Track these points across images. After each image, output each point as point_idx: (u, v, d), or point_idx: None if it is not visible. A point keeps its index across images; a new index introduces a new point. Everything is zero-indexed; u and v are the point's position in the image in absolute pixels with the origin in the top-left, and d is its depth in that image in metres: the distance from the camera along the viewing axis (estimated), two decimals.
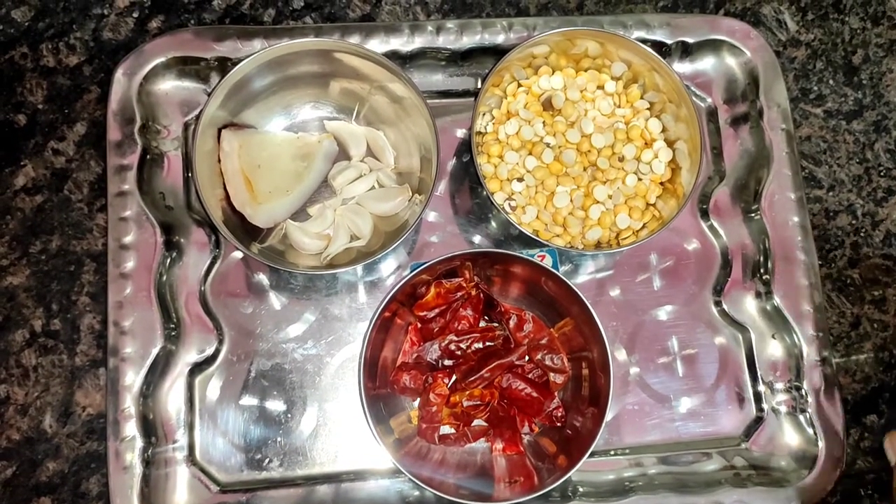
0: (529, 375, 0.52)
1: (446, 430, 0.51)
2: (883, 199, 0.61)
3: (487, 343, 0.52)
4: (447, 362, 0.52)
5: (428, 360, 0.52)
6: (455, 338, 0.51)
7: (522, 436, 0.51)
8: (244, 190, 0.53)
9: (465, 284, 0.52)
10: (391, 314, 0.50)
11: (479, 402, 0.51)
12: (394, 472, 0.52)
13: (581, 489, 0.51)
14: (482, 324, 0.53)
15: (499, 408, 0.51)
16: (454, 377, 0.51)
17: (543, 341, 0.52)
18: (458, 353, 0.52)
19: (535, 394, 0.50)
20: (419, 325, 0.53)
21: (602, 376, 0.48)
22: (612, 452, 0.54)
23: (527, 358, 0.52)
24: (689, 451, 0.54)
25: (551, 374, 0.51)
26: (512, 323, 0.52)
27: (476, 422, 0.52)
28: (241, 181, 0.53)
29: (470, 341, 0.52)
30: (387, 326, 0.51)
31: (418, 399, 0.52)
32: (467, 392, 0.51)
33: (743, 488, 0.52)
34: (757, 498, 0.51)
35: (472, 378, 0.50)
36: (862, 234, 0.60)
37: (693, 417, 0.55)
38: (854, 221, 0.60)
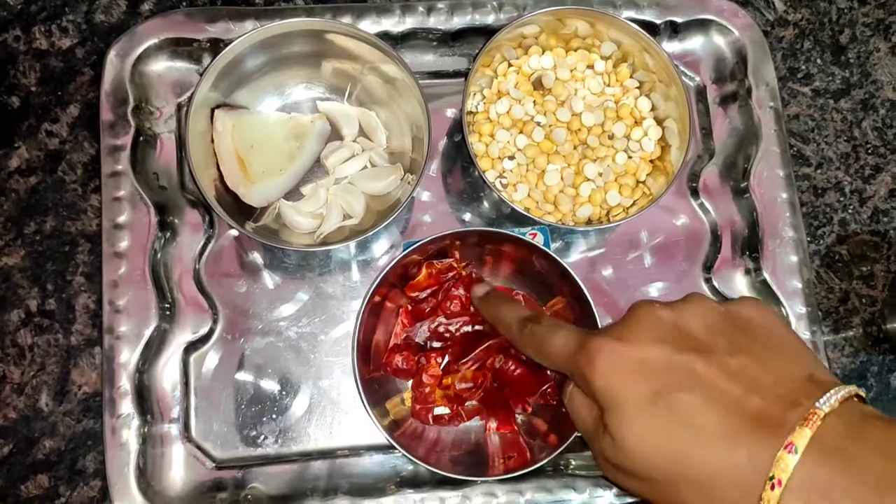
0: (521, 356, 0.52)
1: (440, 410, 0.51)
2: (870, 177, 0.61)
3: (476, 327, 0.52)
4: (435, 344, 0.52)
5: (416, 341, 0.52)
6: (444, 320, 0.51)
7: (516, 415, 0.52)
8: (237, 170, 0.53)
9: (456, 265, 0.52)
10: (381, 297, 0.50)
11: (472, 385, 0.51)
12: (388, 447, 0.52)
13: (574, 462, 0.52)
14: None
15: (492, 389, 0.51)
16: (446, 358, 0.51)
17: None
18: (447, 335, 0.52)
19: (527, 374, 0.51)
20: (410, 307, 0.53)
21: None
22: None
23: None
24: None
25: None
26: None
27: (470, 402, 0.52)
28: (234, 161, 0.53)
29: (459, 324, 0.51)
30: (378, 309, 0.51)
31: (411, 380, 0.52)
32: (460, 374, 0.51)
33: None
34: None
35: (465, 360, 0.50)
36: (850, 211, 0.61)
37: None
38: (842, 198, 0.61)
